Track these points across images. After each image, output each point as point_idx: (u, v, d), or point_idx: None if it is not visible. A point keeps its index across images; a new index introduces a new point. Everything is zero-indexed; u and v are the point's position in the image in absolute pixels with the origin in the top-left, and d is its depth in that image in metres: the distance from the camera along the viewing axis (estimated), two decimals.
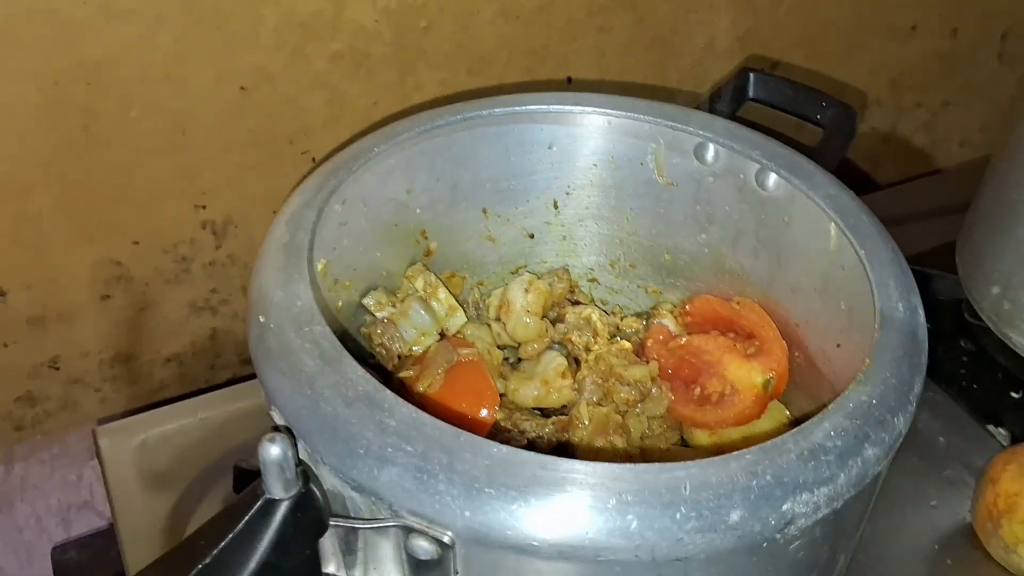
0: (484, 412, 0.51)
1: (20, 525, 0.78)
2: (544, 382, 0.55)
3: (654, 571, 0.37)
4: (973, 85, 1.00)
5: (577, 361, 0.57)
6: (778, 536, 0.37)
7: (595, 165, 0.59)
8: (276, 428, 0.38)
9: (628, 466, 0.37)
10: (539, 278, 0.60)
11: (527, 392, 0.54)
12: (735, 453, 0.38)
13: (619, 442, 0.52)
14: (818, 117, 0.60)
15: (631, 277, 0.62)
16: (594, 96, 0.58)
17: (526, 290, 0.58)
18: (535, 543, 0.36)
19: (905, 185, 0.98)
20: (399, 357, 0.55)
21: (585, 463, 0.37)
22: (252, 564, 0.38)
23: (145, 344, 0.74)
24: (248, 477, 0.57)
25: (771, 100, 0.62)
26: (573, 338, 0.57)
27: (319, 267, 0.48)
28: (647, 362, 0.56)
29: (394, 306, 0.55)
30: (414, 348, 0.55)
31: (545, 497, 0.36)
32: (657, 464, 0.37)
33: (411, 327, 0.55)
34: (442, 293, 0.57)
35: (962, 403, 0.66)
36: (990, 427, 0.65)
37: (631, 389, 0.54)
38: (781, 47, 0.86)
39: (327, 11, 0.65)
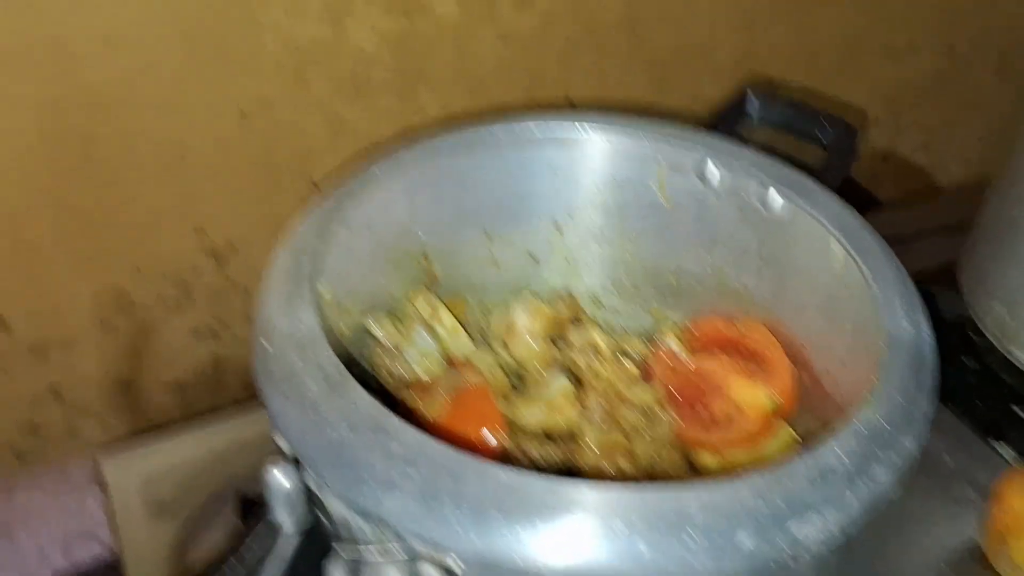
0: (489, 437, 0.51)
1: (22, 554, 0.77)
2: (549, 406, 0.54)
3: None
4: (971, 103, 1.00)
5: (582, 384, 0.57)
6: (788, 559, 0.37)
7: (597, 187, 0.59)
8: (282, 456, 0.38)
9: (635, 489, 0.36)
10: (542, 301, 0.59)
11: (532, 416, 0.54)
12: (744, 475, 0.37)
13: (626, 466, 0.51)
14: (820, 137, 0.60)
15: (635, 298, 0.62)
16: (596, 118, 0.58)
17: (530, 313, 0.58)
18: (543, 568, 0.35)
19: (907, 203, 0.98)
20: (403, 382, 0.54)
21: (592, 486, 0.37)
22: None
23: (147, 371, 0.73)
24: (253, 505, 0.57)
25: (772, 120, 0.62)
26: (578, 361, 0.57)
27: (323, 292, 0.48)
28: (653, 384, 0.56)
29: (398, 331, 0.55)
30: (418, 373, 0.55)
31: (553, 521, 0.35)
32: (665, 487, 0.36)
33: (415, 352, 0.55)
34: (446, 317, 0.57)
35: (967, 421, 0.65)
36: (995, 444, 0.65)
37: (637, 412, 0.54)
38: (779, 66, 0.86)
39: (327, 36, 0.65)
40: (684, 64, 0.81)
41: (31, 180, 0.62)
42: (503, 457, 0.52)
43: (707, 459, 0.54)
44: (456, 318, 0.58)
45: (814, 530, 0.37)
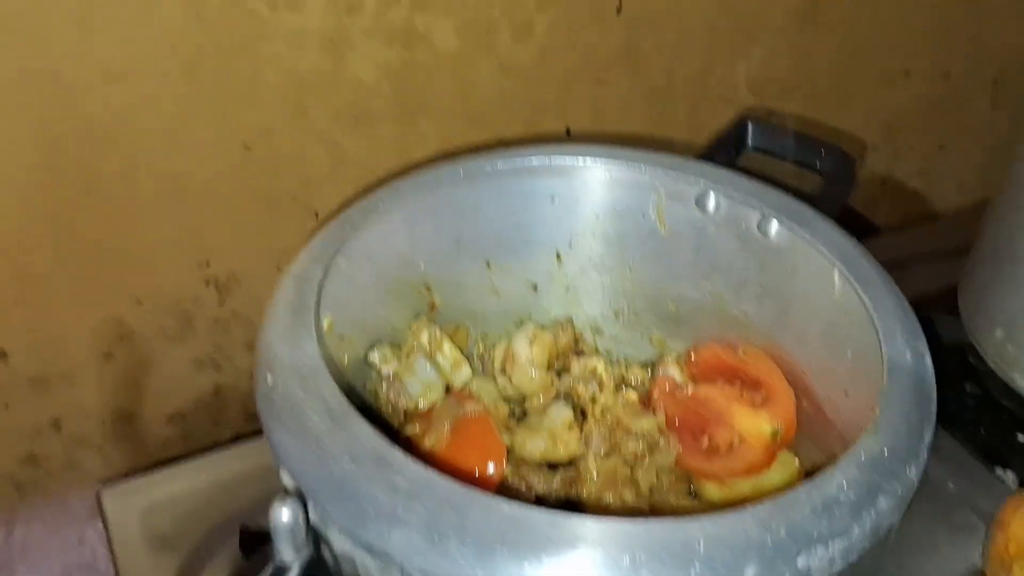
0: (491, 467, 0.51)
1: None
2: (551, 435, 0.54)
3: None
4: (967, 128, 1.00)
5: (583, 413, 0.57)
6: None
7: (597, 216, 0.59)
8: (286, 491, 0.38)
9: (641, 522, 0.36)
10: (543, 329, 0.60)
11: (534, 446, 0.54)
12: (748, 507, 0.37)
13: (628, 495, 0.51)
14: (818, 165, 0.61)
15: (635, 327, 0.62)
16: (594, 148, 0.58)
17: (530, 342, 0.58)
18: None
19: (904, 228, 0.98)
20: (405, 412, 0.55)
21: (597, 519, 0.37)
22: None
23: (148, 402, 0.73)
24: (255, 538, 0.57)
25: (770, 148, 0.62)
26: (579, 390, 0.57)
27: (325, 324, 0.48)
28: (654, 413, 0.56)
29: (399, 361, 0.55)
30: (420, 403, 0.55)
31: (558, 556, 0.35)
32: (670, 519, 0.36)
33: (417, 382, 0.55)
34: (447, 347, 0.57)
35: (969, 447, 0.65)
36: (998, 470, 0.65)
37: (639, 441, 0.54)
38: (776, 94, 0.87)
39: (328, 68, 0.66)
40: (682, 93, 0.81)
41: (32, 213, 0.62)
42: (505, 487, 0.52)
43: (710, 488, 0.54)
44: (457, 347, 0.58)
45: (819, 561, 0.37)
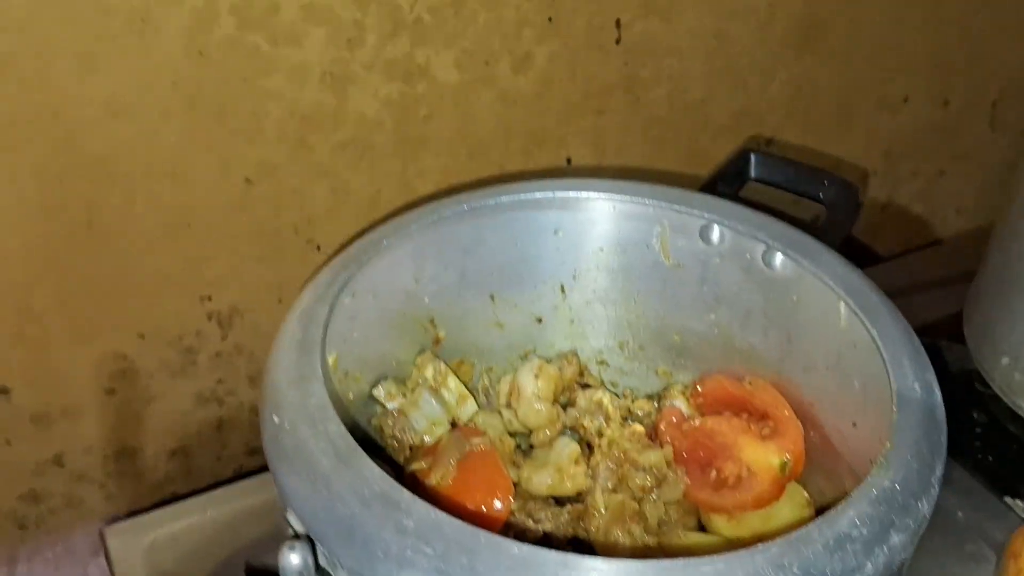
0: (498, 504, 0.50)
1: None
2: (558, 469, 0.54)
3: None
4: (967, 153, 1.01)
5: (590, 446, 0.56)
6: None
7: (601, 249, 0.59)
8: (295, 534, 0.38)
9: (652, 563, 0.36)
10: (548, 363, 0.59)
11: (541, 480, 0.54)
12: (760, 545, 0.37)
13: (636, 530, 0.51)
14: (820, 196, 0.61)
15: (641, 359, 0.62)
16: (598, 181, 0.58)
17: (536, 376, 0.58)
18: None
19: (907, 255, 0.98)
20: (411, 448, 0.54)
21: (607, 561, 0.36)
22: None
23: (150, 437, 0.73)
24: (259, 575, 0.57)
25: (773, 180, 0.63)
26: (585, 423, 0.57)
27: (330, 360, 0.48)
28: (661, 446, 0.56)
29: (404, 396, 0.55)
30: (425, 438, 0.55)
31: None
32: (682, 560, 0.36)
33: (422, 417, 0.55)
34: (452, 381, 0.57)
35: (978, 476, 0.65)
36: (1007, 499, 0.64)
37: (646, 475, 0.53)
38: (775, 123, 0.87)
39: (330, 103, 0.66)
40: (681, 122, 0.82)
41: (33, 248, 0.62)
42: (512, 524, 0.51)
43: (718, 521, 0.54)
44: (462, 382, 0.58)
45: None
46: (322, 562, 0.38)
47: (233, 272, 0.69)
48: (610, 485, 0.54)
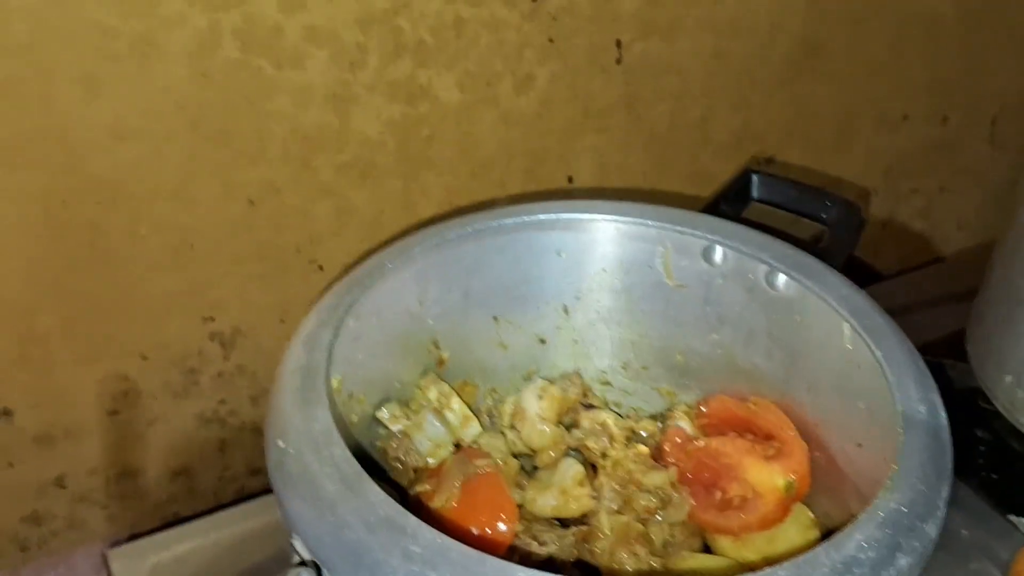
0: (503, 526, 0.50)
1: None
2: (562, 491, 0.54)
3: None
4: (967, 170, 1.01)
5: (594, 467, 0.56)
6: None
7: (604, 270, 0.59)
8: (301, 561, 0.38)
9: None
10: (552, 383, 0.59)
11: (545, 502, 0.54)
12: (768, 569, 0.37)
13: (641, 552, 0.51)
14: (823, 216, 0.61)
15: (644, 379, 0.62)
16: (601, 203, 0.58)
17: (540, 397, 0.58)
18: None
19: (909, 273, 0.98)
20: (415, 470, 0.54)
21: None
22: None
23: (152, 458, 0.73)
24: None
25: (775, 200, 0.63)
26: (589, 444, 0.57)
27: (334, 383, 0.48)
28: (665, 467, 0.55)
29: (408, 418, 0.55)
30: (429, 460, 0.55)
31: None
32: None
33: (426, 439, 0.55)
34: (455, 403, 0.57)
35: (983, 494, 0.65)
36: (1012, 517, 0.64)
37: (651, 496, 0.53)
38: (775, 141, 0.87)
39: (332, 124, 0.66)
40: (682, 141, 0.82)
41: (37, 270, 0.62)
42: (516, 545, 0.51)
43: (723, 542, 0.53)
44: (466, 403, 0.58)
45: None
46: None
47: (236, 292, 0.69)
48: (615, 506, 0.53)
